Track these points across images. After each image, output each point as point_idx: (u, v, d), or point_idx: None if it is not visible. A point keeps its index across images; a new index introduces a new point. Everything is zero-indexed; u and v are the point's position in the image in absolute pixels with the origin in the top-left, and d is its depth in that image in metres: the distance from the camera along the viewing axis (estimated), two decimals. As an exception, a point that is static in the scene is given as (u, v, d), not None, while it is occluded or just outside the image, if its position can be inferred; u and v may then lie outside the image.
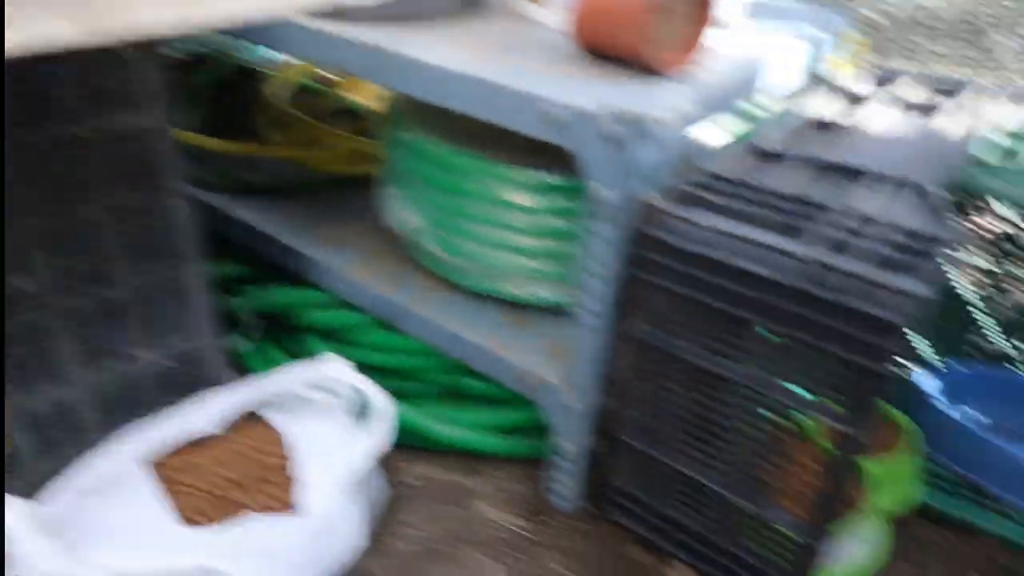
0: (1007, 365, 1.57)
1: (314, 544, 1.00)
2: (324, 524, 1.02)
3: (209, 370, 1.24)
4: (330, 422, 1.18)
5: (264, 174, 1.67)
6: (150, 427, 1.12)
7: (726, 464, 1.08)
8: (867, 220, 0.89)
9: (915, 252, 0.83)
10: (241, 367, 1.48)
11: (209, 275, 1.23)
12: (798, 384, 0.95)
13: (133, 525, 0.99)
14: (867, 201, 0.94)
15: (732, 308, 0.93)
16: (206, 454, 1.12)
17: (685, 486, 1.14)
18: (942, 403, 1.41)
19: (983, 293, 1.55)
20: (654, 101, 0.97)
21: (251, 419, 1.21)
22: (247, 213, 1.57)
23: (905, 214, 0.91)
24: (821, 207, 0.91)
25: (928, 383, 1.47)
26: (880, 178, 0.99)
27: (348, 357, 1.31)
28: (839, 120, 1.18)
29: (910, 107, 1.26)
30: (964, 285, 1.56)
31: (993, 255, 1.52)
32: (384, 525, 1.23)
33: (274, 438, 1.16)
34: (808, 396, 0.94)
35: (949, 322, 1.60)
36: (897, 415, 1.38)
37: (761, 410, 0.99)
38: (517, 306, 1.35)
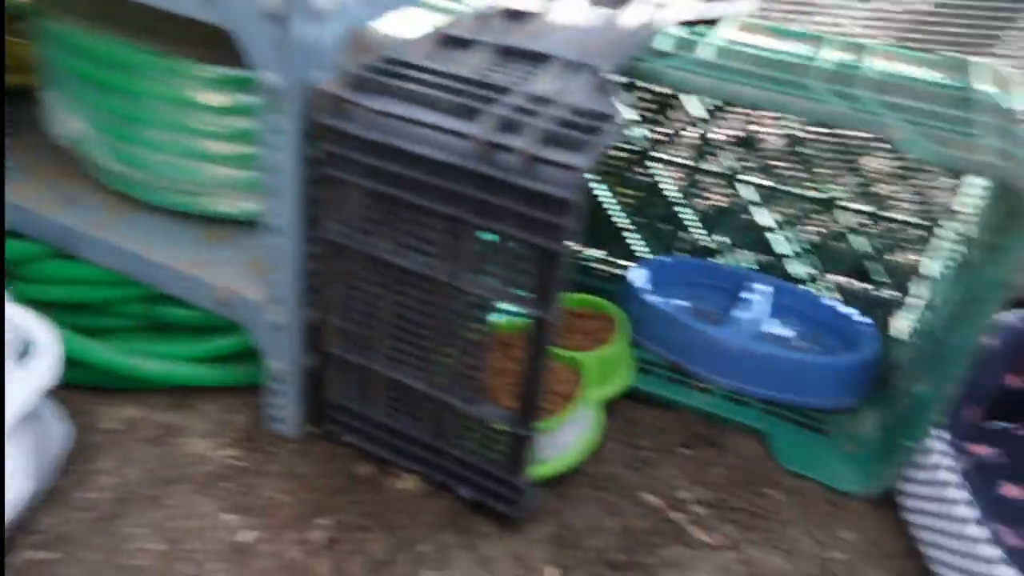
0: (710, 258, 1.70)
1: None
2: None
3: None
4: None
5: None
6: None
7: (435, 365, 1.07)
8: (542, 101, 0.88)
9: (585, 129, 0.84)
10: None
11: None
12: (488, 274, 0.94)
13: None
14: (545, 84, 0.94)
15: (414, 197, 0.90)
16: None
17: (398, 393, 1.11)
18: (648, 294, 1.51)
19: (683, 191, 1.67)
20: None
21: None
22: None
23: (579, 96, 0.92)
24: (500, 89, 0.89)
25: (637, 277, 1.56)
26: (559, 62, 0.99)
27: (22, 295, 1.14)
28: (530, 9, 1.17)
29: (600, 1, 1.28)
30: (667, 184, 1.66)
31: (689, 154, 1.63)
32: (72, 477, 1.10)
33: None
34: (498, 286, 0.93)
35: (661, 221, 1.71)
36: (610, 308, 1.45)
37: (460, 306, 0.98)
38: (212, 221, 1.23)
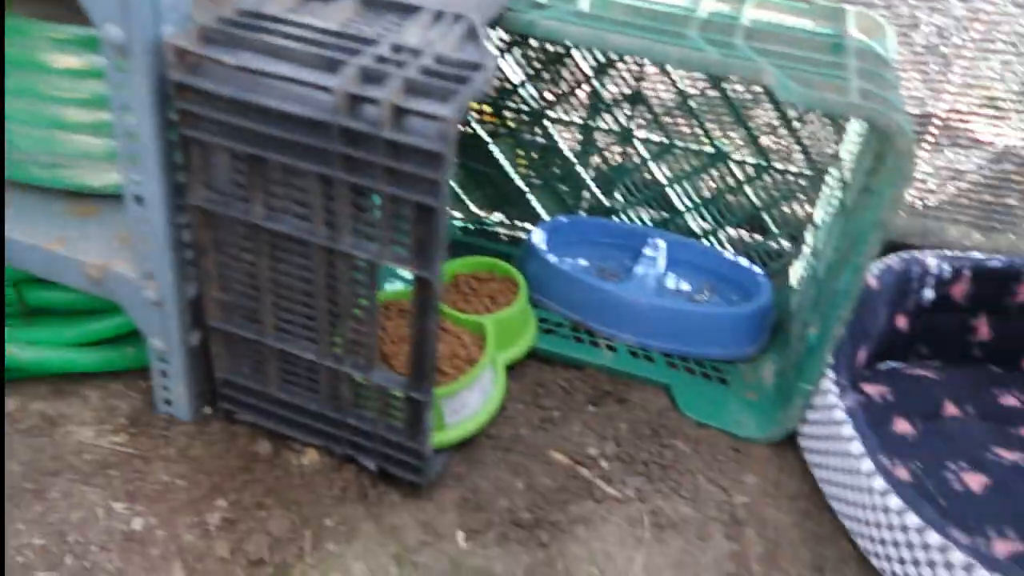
0: (610, 216, 1.71)
1: None
2: None
3: None
4: None
5: None
6: None
7: (325, 334, 1.03)
8: (409, 52, 0.85)
9: (453, 79, 0.81)
10: None
11: None
12: (367, 236, 0.91)
13: None
14: (412, 35, 0.91)
15: (279, 155, 0.85)
16: None
17: (291, 365, 1.07)
18: (548, 254, 1.50)
19: (579, 150, 1.66)
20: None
21: None
22: None
23: (448, 46, 0.89)
24: (364, 41, 0.86)
25: (537, 238, 1.55)
26: (428, 13, 0.96)
27: None
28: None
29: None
30: (563, 143, 1.65)
31: (583, 113, 1.62)
32: (-62, 477, 1.03)
33: None
34: (377, 247, 0.90)
35: (559, 181, 1.70)
36: (511, 271, 1.44)
37: (343, 270, 0.95)
38: (77, 195, 1.15)
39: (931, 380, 1.40)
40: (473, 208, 1.74)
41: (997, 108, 1.67)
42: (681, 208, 1.65)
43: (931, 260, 1.39)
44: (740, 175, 1.58)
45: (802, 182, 1.55)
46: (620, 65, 1.55)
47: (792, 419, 1.26)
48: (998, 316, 1.42)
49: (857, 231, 1.12)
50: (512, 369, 1.34)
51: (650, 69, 1.56)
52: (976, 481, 1.20)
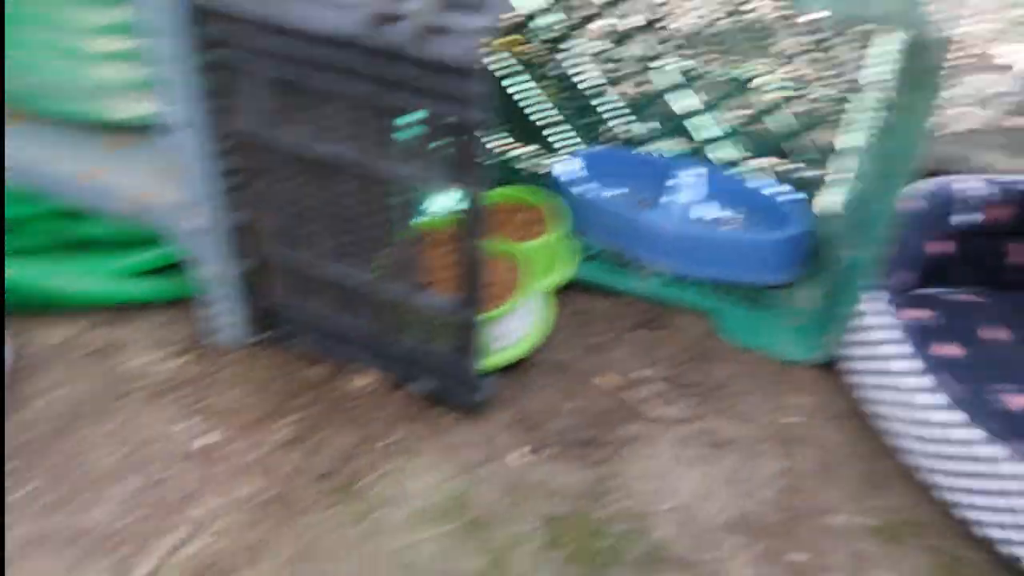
0: (639, 147, 1.70)
1: None
2: None
3: None
4: None
5: None
6: None
7: (373, 259, 1.04)
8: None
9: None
10: None
11: None
12: (407, 158, 0.91)
13: None
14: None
15: (312, 78, 0.86)
16: None
17: (338, 290, 1.08)
18: (579, 185, 1.50)
19: (606, 80, 1.64)
20: None
21: None
22: None
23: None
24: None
25: (567, 169, 1.55)
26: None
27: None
28: None
29: None
30: (588, 74, 1.64)
31: (611, 42, 1.60)
32: (16, 398, 1.05)
33: None
34: (418, 169, 0.90)
35: (585, 113, 1.69)
36: (542, 200, 1.44)
37: (386, 194, 0.95)
38: (112, 128, 1.14)
39: (974, 304, 1.41)
40: (500, 140, 1.73)
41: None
42: (710, 137, 1.65)
43: (970, 183, 1.38)
44: (770, 101, 1.57)
45: (833, 107, 1.54)
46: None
47: (835, 342, 1.28)
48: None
49: (893, 152, 1.12)
50: (555, 297, 1.35)
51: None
52: (1021, 403, 1.22)
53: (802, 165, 1.63)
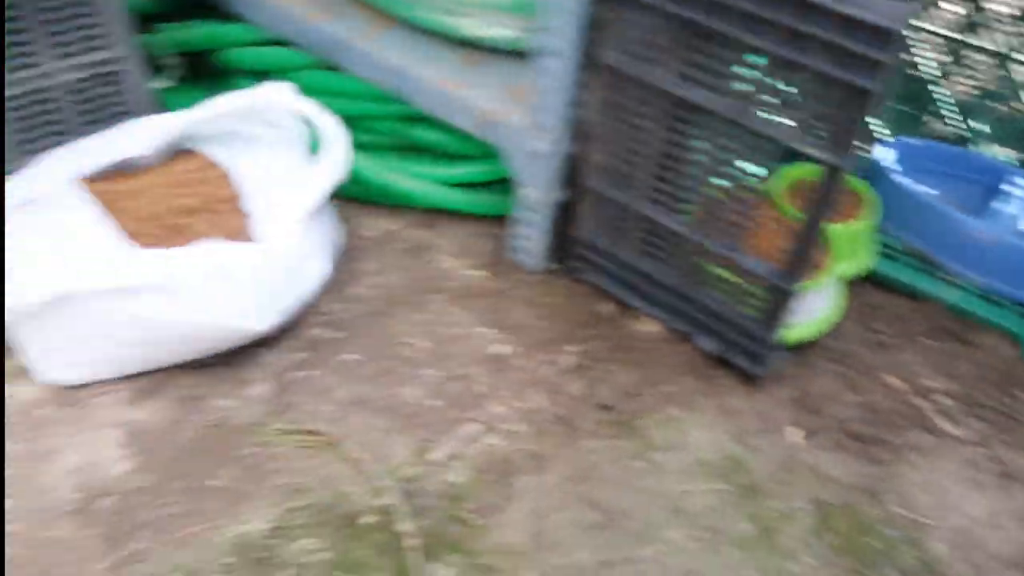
0: (963, 146, 1.57)
1: (274, 271, 0.94)
2: (283, 253, 0.95)
3: (127, 88, 1.10)
4: (279, 156, 1.08)
5: None
6: (78, 147, 1.00)
7: (698, 209, 1.05)
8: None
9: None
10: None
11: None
12: (780, 114, 0.90)
13: (76, 243, 0.90)
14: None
15: (718, 25, 0.86)
16: (145, 181, 1.01)
17: (653, 234, 1.10)
18: (900, 177, 1.41)
19: (942, 69, 1.52)
20: None
21: (190, 154, 1.10)
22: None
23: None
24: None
25: (887, 158, 1.46)
26: None
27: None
28: None
29: None
30: (926, 60, 1.52)
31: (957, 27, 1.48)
32: (345, 273, 1.18)
33: (219, 172, 1.06)
34: (788, 128, 0.89)
35: (907, 103, 1.58)
36: (859, 185, 1.37)
37: (740, 146, 0.95)
38: (467, 45, 1.22)
39: None
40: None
41: None
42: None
43: None
44: None
45: None
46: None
47: None
48: None
49: None
50: (847, 286, 1.29)
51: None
52: None
53: None
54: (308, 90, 1.28)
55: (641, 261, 1.14)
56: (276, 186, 1.01)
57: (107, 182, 0.99)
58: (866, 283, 1.34)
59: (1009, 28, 1.43)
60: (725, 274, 1.05)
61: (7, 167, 1.01)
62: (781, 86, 0.87)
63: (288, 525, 0.88)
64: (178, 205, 0.98)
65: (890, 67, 0.78)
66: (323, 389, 1.02)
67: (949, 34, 1.48)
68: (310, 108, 1.03)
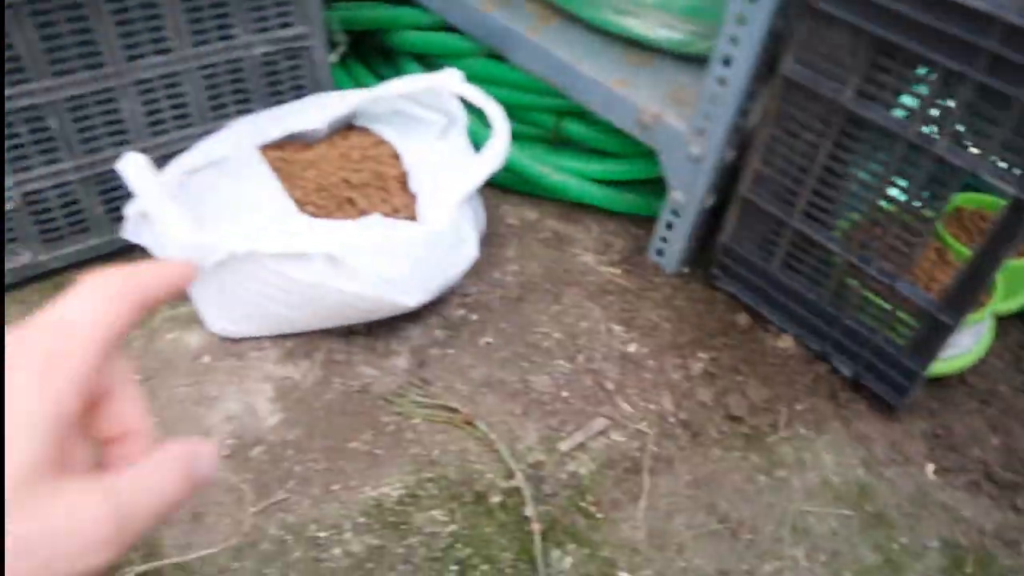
0: None
1: (433, 250, 0.98)
2: (443, 234, 0.99)
3: (310, 63, 1.17)
4: (443, 140, 1.12)
5: None
6: (261, 117, 1.07)
7: (852, 228, 1.03)
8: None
9: None
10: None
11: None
12: (965, 141, 0.87)
13: (252, 206, 0.97)
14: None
15: (908, 44, 0.83)
16: (317, 153, 1.07)
17: (802, 249, 1.09)
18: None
19: None
20: None
21: (361, 131, 1.16)
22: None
23: None
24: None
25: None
26: None
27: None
28: None
29: None
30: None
31: None
32: (487, 258, 1.21)
33: (389, 150, 1.11)
34: (977, 155, 0.86)
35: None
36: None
37: (918, 170, 0.92)
38: (640, 47, 1.24)
39: None
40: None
41: None
42: None
43: None
44: None
45: None
46: None
47: None
48: None
49: None
50: (998, 324, 1.24)
51: None
52: None
53: None
54: (470, 77, 1.33)
55: (785, 275, 1.12)
56: (439, 169, 1.05)
57: (282, 151, 1.05)
58: (1017, 320, 1.27)
59: None
60: (875, 298, 1.03)
61: (199, 127, 1.09)
62: (970, 112, 0.84)
63: (419, 495, 0.93)
64: (347, 179, 1.03)
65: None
66: (460, 368, 1.06)
67: None
68: (477, 95, 1.06)
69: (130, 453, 0.28)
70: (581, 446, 1.00)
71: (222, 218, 0.95)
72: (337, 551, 0.86)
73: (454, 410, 1.01)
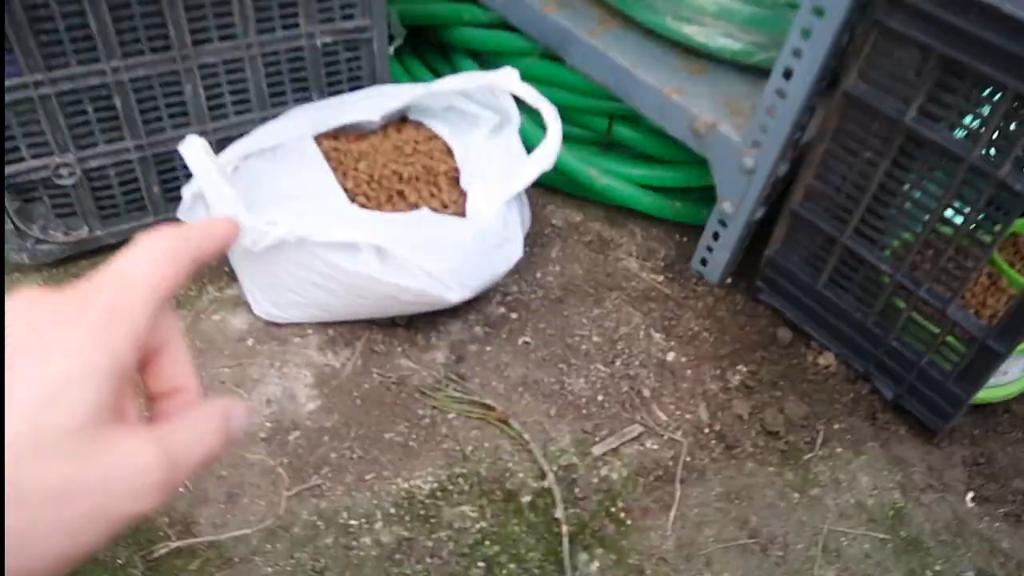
0: None
1: (479, 247, 0.98)
2: (490, 230, 0.99)
3: (369, 55, 1.18)
4: (495, 137, 1.12)
5: None
6: (318, 106, 1.09)
7: (903, 249, 1.01)
8: None
9: None
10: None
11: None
12: (1022, 167, 0.85)
13: (305, 194, 0.98)
14: None
15: (981, 63, 0.82)
16: (370, 144, 1.09)
17: (850, 267, 1.07)
18: None
19: None
20: None
21: (414, 125, 1.17)
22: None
23: None
24: None
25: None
26: None
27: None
28: None
29: None
30: None
31: None
32: (530, 258, 1.22)
33: (441, 145, 1.12)
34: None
35: None
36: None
37: (977, 194, 0.90)
38: (698, 55, 1.23)
39: None
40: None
41: None
42: None
43: None
44: None
45: None
46: None
47: None
48: None
49: None
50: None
51: None
52: None
53: None
54: (526, 77, 1.33)
55: (831, 292, 1.11)
56: (490, 167, 1.06)
57: (336, 141, 1.07)
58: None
59: None
60: (923, 320, 1.01)
61: (258, 113, 1.11)
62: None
63: (451, 489, 0.93)
64: (398, 172, 1.04)
65: None
66: (497, 366, 1.07)
67: None
68: (532, 95, 1.07)
69: (177, 408, 0.29)
70: (614, 451, 1.00)
71: (274, 204, 0.96)
72: (367, 540, 0.87)
73: (489, 407, 1.01)
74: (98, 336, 0.25)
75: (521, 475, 0.95)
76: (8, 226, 1.05)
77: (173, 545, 0.84)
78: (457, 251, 0.96)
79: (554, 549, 0.89)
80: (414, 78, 1.43)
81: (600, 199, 1.34)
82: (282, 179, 0.99)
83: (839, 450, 1.04)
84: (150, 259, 0.27)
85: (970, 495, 1.03)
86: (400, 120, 1.17)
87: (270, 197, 0.98)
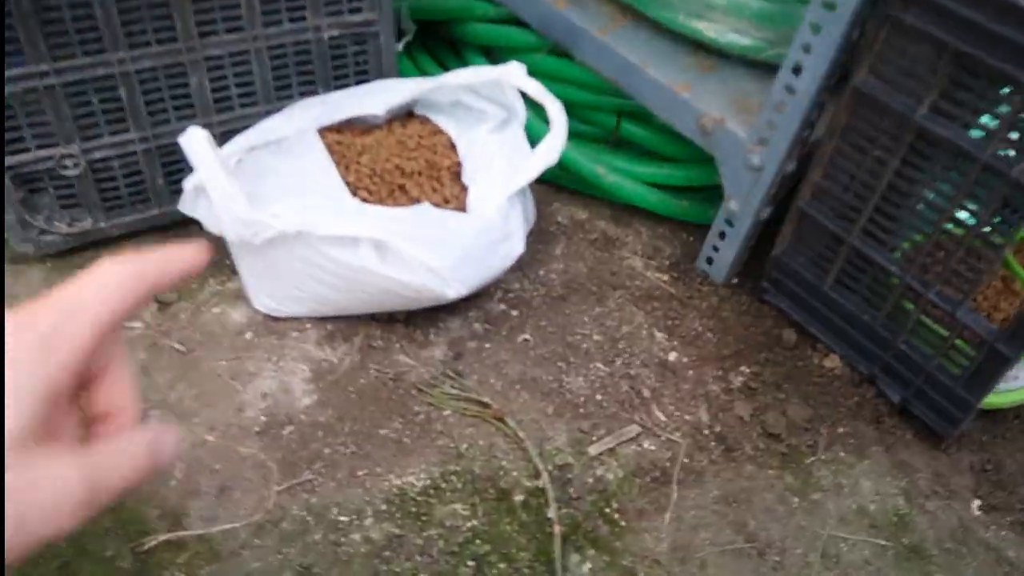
0: None
1: (479, 243, 0.98)
2: (492, 225, 0.99)
3: (375, 49, 1.17)
4: (500, 133, 1.11)
5: None
6: (323, 99, 1.09)
7: (912, 250, 0.99)
8: None
9: None
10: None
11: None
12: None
13: (307, 187, 0.98)
14: None
15: (994, 62, 0.80)
16: (374, 138, 1.08)
17: (858, 268, 1.05)
18: None
19: None
20: None
21: (419, 119, 1.16)
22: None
23: None
24: None
25: None
26: None
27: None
28: None
29: None
30: None
31: None
32: (532, 254, 1.21)
33: (445, 140, 1.11)
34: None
35: None
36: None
37: (990, 194, 0.88)
38: (708, 51, 1.21)
39: None
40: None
41: None
42: None
43: None
44: None
45: None
46: None
47: None
48: None
49: None
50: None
51: None
52: None
53: None
54: (534, 72, 1.32)
55: (837, 293, 1.09)
56: (494, 162, 1.05)
57: (340, 134, 1.07)
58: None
59: None
60: (932, 323, 0.99)
61: (263, 106, 1.11)
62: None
63: (443, 487, 0.93)
64: (400, 166, 1.04)
65: None
66: (495, 363, 1.06)
67: None
68: (538, 91, 1.06)
69: (113, 430, 0.29)
70: (611, 451, 0.99)
71: (276, 197, 0.96)
72: (356, 536, 0.87)
73: (486, 405, 1.01)
74: (34, 359, 0.25)
75: (515, 474, 0.95)
76: (12, 217, 1.05)
77: (163, 538, 0.84)
78: (457, 247, 0.95)
79: (545, 549, 0.88)
80: (424, 73, 1.43)
81: (607, 197, 1.32)
82: (285, 172, 0.99)
83: (842, 454, 1.02)
84: (102, 287, 0.28)
85: (977, 502, 1.00)
86: (406, 115, 1.17)
87: (273, 190, 0.98)
